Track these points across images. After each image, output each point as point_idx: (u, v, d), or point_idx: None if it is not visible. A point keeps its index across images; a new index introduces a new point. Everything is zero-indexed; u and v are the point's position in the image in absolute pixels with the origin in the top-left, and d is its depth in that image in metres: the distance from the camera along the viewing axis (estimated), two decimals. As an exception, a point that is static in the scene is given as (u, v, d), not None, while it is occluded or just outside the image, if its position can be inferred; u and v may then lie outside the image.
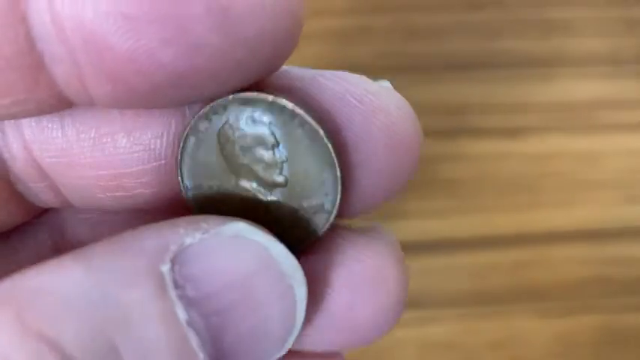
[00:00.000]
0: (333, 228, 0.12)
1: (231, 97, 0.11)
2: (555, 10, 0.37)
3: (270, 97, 0.11)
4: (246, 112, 0.12)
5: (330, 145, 0.12)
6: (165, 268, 0.10)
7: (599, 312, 0.31)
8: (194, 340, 0.10)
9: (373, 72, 0.36)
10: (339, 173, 0.12)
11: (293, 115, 0.11)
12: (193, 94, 0.11)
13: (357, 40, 0.36)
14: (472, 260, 0.32)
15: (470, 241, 0.32)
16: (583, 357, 0.30)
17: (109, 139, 0.12)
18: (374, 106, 0.12)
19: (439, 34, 0.36)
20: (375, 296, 0.13)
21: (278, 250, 0.11)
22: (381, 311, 0.13)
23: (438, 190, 0.33)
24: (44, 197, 0.13)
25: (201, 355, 0.10)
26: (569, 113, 0.35)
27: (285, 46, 0.11)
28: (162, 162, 0.12)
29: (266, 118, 0.12)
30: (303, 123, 0.12)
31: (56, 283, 0.10)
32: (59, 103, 0.11)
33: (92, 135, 0.12)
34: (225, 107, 0.12)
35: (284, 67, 0.12)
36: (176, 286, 0.10)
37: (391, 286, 0.13)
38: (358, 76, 0.13)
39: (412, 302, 0.31)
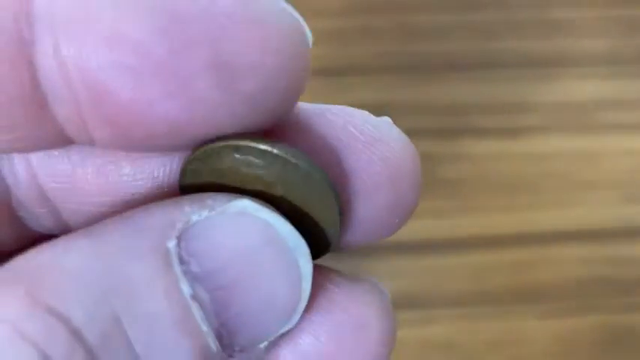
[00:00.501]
0: (325, 272, 0.13)
1: (222, 144, 0.11)
2: (555, 10, 0.37)
3: (262, 146, 0.11)
4: (240, 157, 0.12)
5: (329, 187, 0.12)
6: (172, 244, 0.10)
7: (599, 312, 0.31)
8: (198, 314, 0.10)
9: (373, 72, 0.36)
10: (337, 207, 0.12)
11: (286, 162, 0.12)
12: (192, 142, 0.11)
13: (357, 40, 0.36)
14: (472, 260, 0.32)
15: (470, 241, 0.32)
16: (583, 357, 0.30)
17: (112, 167, 0.12)
18: (374, 136, 0.12)
19: (439, 34, 0.36)
20: (359, 347, 0.13)
21: (283, 226, 0.11)
22: None
23: (438, 190, 0.33)
24: (45, 223, 0.13)
25: (204, 329, 0.11)
26: (569, 113, 0.35)
27: (287, 99, 0.11)
28: (165, 190, 0.12)
29: (260, 162, 0.12)
30: (297, 169, 0.12)
31: (65, 259, 0.10)
32: (61, 141, 0.11)
33: (97, 162, 0.12)
34: (218, 152, 0.12)
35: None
36: (181, 261, 0.10)
37: (375, 337, 0.13)
38: (361, 110, 0.13)
39: (412, 302, 0.31)
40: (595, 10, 0.37)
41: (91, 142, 0.11)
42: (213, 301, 0.11)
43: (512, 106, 0.35)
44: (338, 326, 0.13)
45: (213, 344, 0.11)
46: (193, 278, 0.11)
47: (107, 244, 0.10)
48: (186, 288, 0.10)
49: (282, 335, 0.12)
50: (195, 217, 0.11)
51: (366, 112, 0.13)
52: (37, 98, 0.10)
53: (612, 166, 0.34)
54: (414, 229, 0.32)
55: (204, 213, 0.11)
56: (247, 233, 0.11)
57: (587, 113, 0.35)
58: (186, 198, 0.11)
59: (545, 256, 0.32)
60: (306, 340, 0.12)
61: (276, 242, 0.11)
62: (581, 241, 0.32)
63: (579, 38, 0.37)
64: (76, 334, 0.10)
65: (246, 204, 0.11)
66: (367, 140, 0.12)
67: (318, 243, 0.12)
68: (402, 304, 0.31)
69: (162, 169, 0.12)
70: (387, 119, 0.13)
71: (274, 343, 0.12)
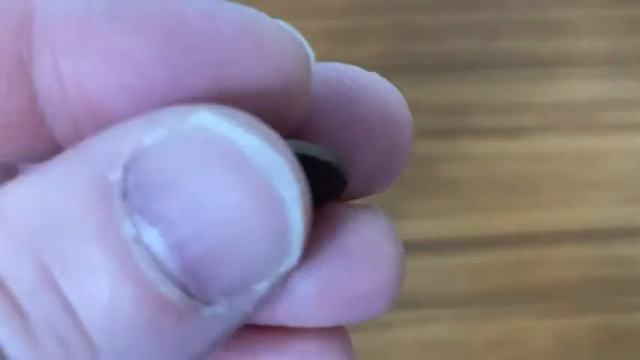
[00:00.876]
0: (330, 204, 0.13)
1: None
2: (555, 10, 0.37)
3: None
4: None
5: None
6: (114, 175, 0.09)
7: (599, 312, 0.31)
8: (142, 259, 0.09)
9: (373, 72, 0.36)
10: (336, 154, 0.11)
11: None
12: None
13: (357, 40, 0.36)
14: (472, 260, 0.32)
15: (470, 241, 0.32)
16: (583, 357, 0.30)
17: None
18: (367, 88, 0.13)
19: (439, 34, 0.36)
20: (371, 268, 0.12)
21: (250, 143, 0.09)
22: (377, 284, 0.12)
23: (438, 190, 0.33)
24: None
25: (152, 276, 0.09)
26: (569, 113, 0.35)
27: (290, 120, 0.11)
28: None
29: None
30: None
31: (3, 202, 0.09)
32: (57, 153, 0.11)
33: None
34: None
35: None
36: (125, 196, 0.09)
37: (387, 259, 0.12)
38: (352, 66, 0.13)
39: (412, 302, 0.31)
40: (595, 10, 0.37)
41: None
42: (166, 242, 0.09)
43: (512, 106, 0.35)
44: (350, 250, 0.12)
45: (171, 293, 0.09)
46: (140, 216, 0.09)
47: (48, 180, 0.09)
48: (127, 228, 0.09)
49: (287, 273, 0.10)
50: (147, 140, 0.09)
51: (358, 67, 0.13)
52: (35, 114, 0.10)
53: (612, 166, 0.34)
54: (414, 229, 0.32)
55: (159, 132, 0.09)
56: (204, 155, 0.09)
57: (587, 113, 0.35)
58: (138, 117, 0.09)
59: (545, 256, 0.32)
60: (320, 267, 0.12)
61: (239, 164, 0.09)
62: (581, 241, 0.32)
63: (579, 38, 0.37)
64: (1, 287, 0.09)
65: (204, 118, 0.09)
66: (361, 92, 0.12)
67: (329, 184, 0.12)
68: (402, 304, 0.31)
69: None
70: (376, 75, 0.13)
71: (280, 283, 0.10)
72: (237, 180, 0.09)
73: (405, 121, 0.13)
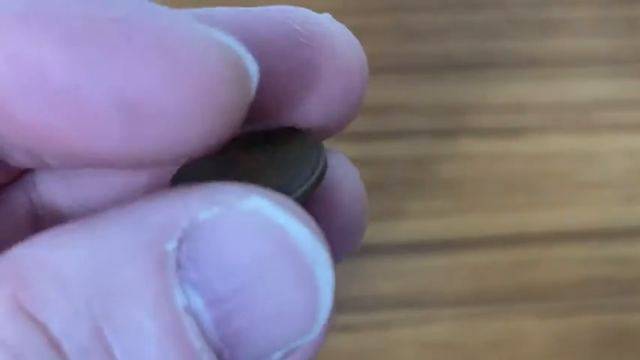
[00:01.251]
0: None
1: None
2: (555, 10, 0.37)
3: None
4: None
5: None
6: (171, 246, 0.09)
7: (599, 312, 0.31)
8: (191, 328, 0.09)
9: (373, 72, 0.36)
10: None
11: None
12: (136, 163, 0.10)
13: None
14: (472, 260, 0.32)
15: (470, 241, 0.32)
16: (583, 357, 0.30)
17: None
18: (316, 31, 0.12)
19: (439, 34, 0.36)
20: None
21: (299, 230, 0.10)
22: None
23: (438, 190, 0.33)
24: (19, 158, 0.12)
25: (198, 345, 0.09)
26: (569, 113, 0.35)
27: (213, 138, 0.10)
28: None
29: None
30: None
31: (55, 256, 0.09)
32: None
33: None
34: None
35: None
36: (179, 267, 0.09)
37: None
38: (299, 7, 0.13)
39: (412, 302, 0.31)
40: (595, 10, 0.37)
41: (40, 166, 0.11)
42: (212, 314, 0.10)
43: (512, 106, 0.35)
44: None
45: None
46: (191, 287, 0.09)
47: (101, 241, 0.09)
48: (180, 298, 0.09)
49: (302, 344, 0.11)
50: (202, 215, 0.10)
51: (306, 9, 0.13)
52: None
53: (612, 166, 0.34)
54: (414, 229, 0.32)
55: (214, 209, 0.10)
56: (256, 238, 0.10)
57: (587, 113, 0.35)
58: (196, 191, 0.10)
59: (545, 256, 0.32)
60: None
61: (291, 251, 0.10)
62: (581, 241, 0.32)
63: (579, 38, 0.37)
64: (53, 344, 0.09)
65: (260, 203, 0.10)
66: (310, 35, 0.12)
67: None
68: (401, 304, 0.31)
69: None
70: (328, 15, 0.13)
71: (292, 351, 0.11)
72: (286, 267, 0.10)
73: (359, 62, 0.13)
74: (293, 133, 0.13)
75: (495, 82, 0.35)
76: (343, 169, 0.13)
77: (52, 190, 0.14)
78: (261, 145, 0.13)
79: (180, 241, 0.10)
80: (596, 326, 0.31)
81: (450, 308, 0.31)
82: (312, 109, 0.12)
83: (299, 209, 0.10)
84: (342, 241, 0.13)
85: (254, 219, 0.10)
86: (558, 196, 0.33)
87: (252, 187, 0.10)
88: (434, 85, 0.35)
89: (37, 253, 0.09)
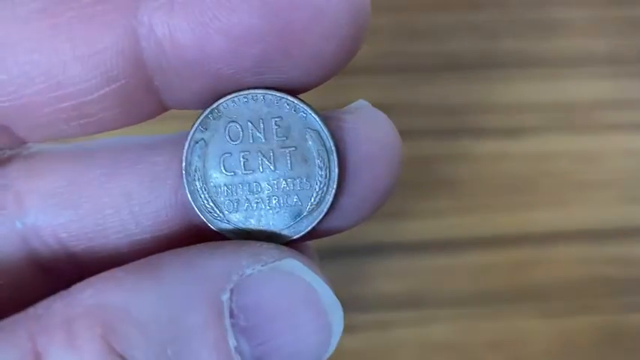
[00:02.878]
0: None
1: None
2: (555, 10, 0.37)
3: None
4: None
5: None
6: (226, 297, 0.12)
7: (599, 312, 0.31)
8: None
9: (373, 72, 0.36)
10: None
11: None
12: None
13: (357, 40, 0.36)
14: (472, 260, 0.32)
15: (470, 241, 0.32)
16: (583, 357, 0.30)
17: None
18: (358, 119, 0.14)
19: (439, 34, 0.36)
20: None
21: (323, 289, 0.13)
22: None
23: (438, 190, 0.33)
24: None
25: None
26: (569, 113, 0.35)
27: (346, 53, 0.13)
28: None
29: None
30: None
31: (134, 304, 0.11)
32: (164, 111, 0.14)
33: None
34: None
35: None
36: (231, 315, 0.12)
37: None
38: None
39: (412, 302, 0.31)
40: (595, 10, 0.37)
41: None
42: (253, 354, 0.12)
43: (512, 106, 0.35)
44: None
45: None
46: (239, 331, 0.12)
47: (170, 290, 0.12)
48: (232, 341, 0.12)
49: None
50: (249, 271, 0.12)
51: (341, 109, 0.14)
52: (144, 75, 0.12)
53: (612, 166, 0.34)
54: (414, 229, 0.32)
55: (258, 267, 0.12)
56: (292, 294, 0.12)
57: (587, 113, 0.35)
58: (244, 249, 0.12)
59: (545, 256, 0.32)
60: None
61: (316, 305, 0.13)
62: (581, 241, 0.32)
63: (579, 38, 0.37)
64: None
65: (295, 264, 0.12)
66: (353, 125, 0.14)
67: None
68: (402, 304, 0.31)
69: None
70: (364, 102, 0.14)
71: None
72: (311, 317, 0.13)
73: (395, 150, 0.14)
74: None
75: (495, 82, 0.35)
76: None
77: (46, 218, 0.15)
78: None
79: (232, 292, 0.12)
80: (596, 326, 0.31)
81: (450, 308, 0.31)
82: (348, 189, 0.14)
83: (319, 269, 0.13)
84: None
85: (289, 277, 0.12)
86: (558, 196, 0.33)
87: (287, 250, 0.13)
88: (434, 85, 0.35)
89: (114, 298, 0.11)
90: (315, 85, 0.13)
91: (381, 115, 0.14)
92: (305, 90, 0.13)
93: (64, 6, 0.12)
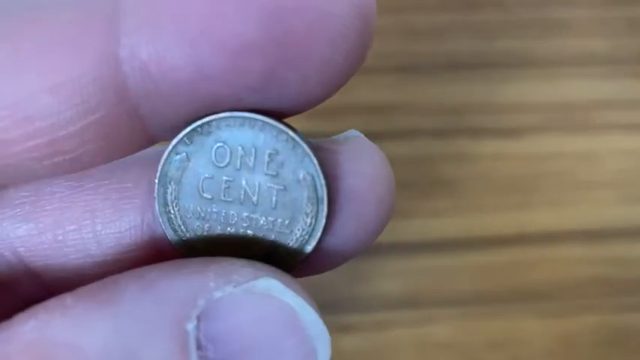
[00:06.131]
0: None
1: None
2: (555, 10, 0.37)
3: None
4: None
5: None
6: (191, 326, 0.10)
7: (599, 312, 0.31)
8: None
9: (373, 72, 0.36)
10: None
11: (295, 146, 0.12)
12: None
13: (357, 40, 0.36)
14: (471, 260, 0.32)
15: (470, 241, 0.32)
16: (583, 357, 0.30)
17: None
18: (349, 149, 0.12)
19: (439, 34, 0.36)
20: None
21: (307, 313, 0.11)
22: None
23: (438, 190, 0.33)
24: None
25: None
26: (569, 113, 0.35)
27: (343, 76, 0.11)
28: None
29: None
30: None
31: (84, 339, 0.10)
32: (150, 145, 0.12)
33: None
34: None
35: None
36: (198, 347, 0.10)
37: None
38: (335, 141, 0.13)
39: (412, 302, 0.31)
40: (595, 10, 0.37)
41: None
42: None
43: (512, 106, 0.35)
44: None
45: None
46: None
47: (126, 319, 0.10)
48: None
49: None
50: (218, 294, 0.10)
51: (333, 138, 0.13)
52: (129, 105, 0.11)
53: (612, 166, 0.34)
54: (414, 229, 0.32)
55: (228, 289, 0.10)
56: (269, 319, 0.11)
57: (587, 113, 0.35)
58: (212, 268, 0.11)
59: (545, 256, 0.32)
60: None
61: (298, 331, 0.11)
62: (581, 241, 0.32)
63: (579, 38, 0.37)
64: None
65: (272, 284, 0.11)
66: (345, 157, 0.12)
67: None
68: (402, 304, 0.31)
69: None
70: (355, 132, 0.13)
71: None
72: (294, 344, 0.11)
73: (388, 182, 0.13)
74: None
75: (495, 82, 0.35)
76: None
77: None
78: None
79: (199, 320, 0.10)
80: (596, 326, 0.31)
81: (450, 308, 0.31)
82: (339, 222, 0.12)
83: (301, 287, 0.11)
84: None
85: (265, 300, 0.11)
86: (558, 196, 0.33)
87: (262, 267, 0.11)
88: (434, 85, 0.35)
89: (62, 334, 0.10)
90: (323, 100, 0.12)
91: (373, 148, 0.13)
92: (311, 106, 0.12)
93: (29, 28, 0.10)
